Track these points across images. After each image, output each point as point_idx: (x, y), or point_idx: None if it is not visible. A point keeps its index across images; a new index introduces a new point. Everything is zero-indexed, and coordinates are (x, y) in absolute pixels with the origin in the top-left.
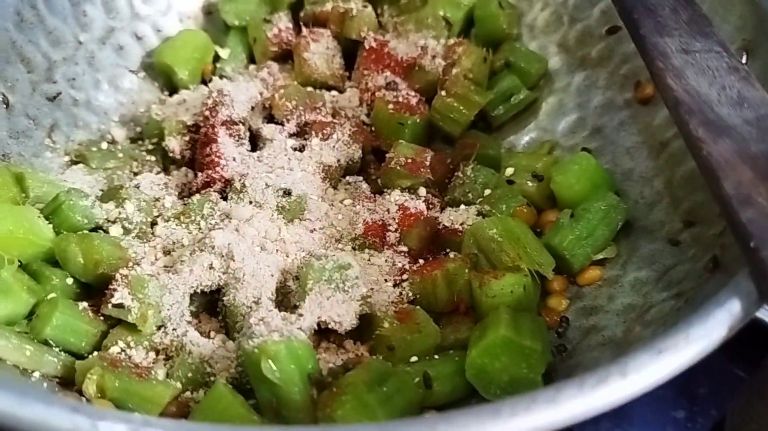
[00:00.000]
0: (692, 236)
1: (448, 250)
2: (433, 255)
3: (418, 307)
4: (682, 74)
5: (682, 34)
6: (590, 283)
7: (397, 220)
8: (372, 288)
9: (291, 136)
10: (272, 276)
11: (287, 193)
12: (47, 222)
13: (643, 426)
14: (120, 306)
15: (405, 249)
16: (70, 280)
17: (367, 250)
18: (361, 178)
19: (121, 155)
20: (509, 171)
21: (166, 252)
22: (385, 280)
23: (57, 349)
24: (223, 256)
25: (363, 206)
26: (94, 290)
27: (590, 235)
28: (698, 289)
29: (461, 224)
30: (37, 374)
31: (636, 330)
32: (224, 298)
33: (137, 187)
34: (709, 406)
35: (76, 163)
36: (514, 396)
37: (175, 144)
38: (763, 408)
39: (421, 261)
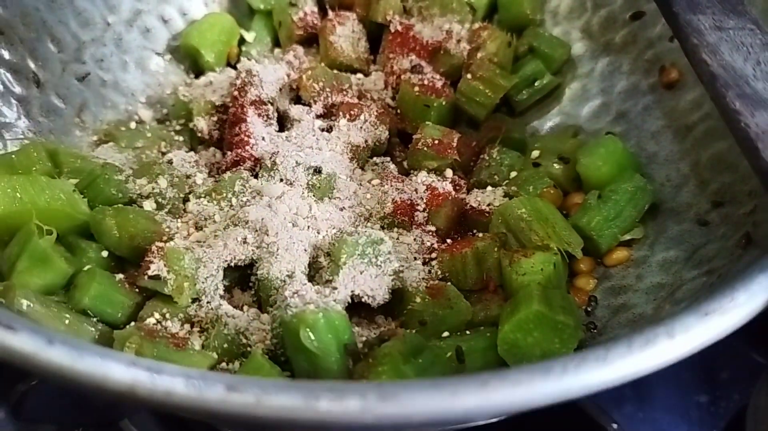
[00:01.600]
0: (721, 216)
1: (475, 231)
2: (461, 236)
3: (449, 284)
4: (716, 50)
5: (715, 12)
6: (617, 264)
7: (425, 200)
8: (403, 266)
9: (318, 117)
10: (305, 251)
11: (317, 170)
12: (82, 196)
13: (666, 410)
14: (156, 278)
15: (433, 228)
16: (105, 253)
17: (396, 229)
18: (388, 159)
19: (149, 135)
20: (535, 153)
21: (198, 228)
22: (415, 258)
23: (94, 319)
24: (256, 231)
25: (391, 186)
26: (128, 263)
27: (618, 216)
28: (731, 266)
29: (488, 205)
30: (81, 341)
31: (666, 307)
32: (258, 272)
33: (170, 162)
34: (731, 391)
35: (105, 142)
36: (562, 355)
37: (203, 124)
38: None
39: (448, 241)
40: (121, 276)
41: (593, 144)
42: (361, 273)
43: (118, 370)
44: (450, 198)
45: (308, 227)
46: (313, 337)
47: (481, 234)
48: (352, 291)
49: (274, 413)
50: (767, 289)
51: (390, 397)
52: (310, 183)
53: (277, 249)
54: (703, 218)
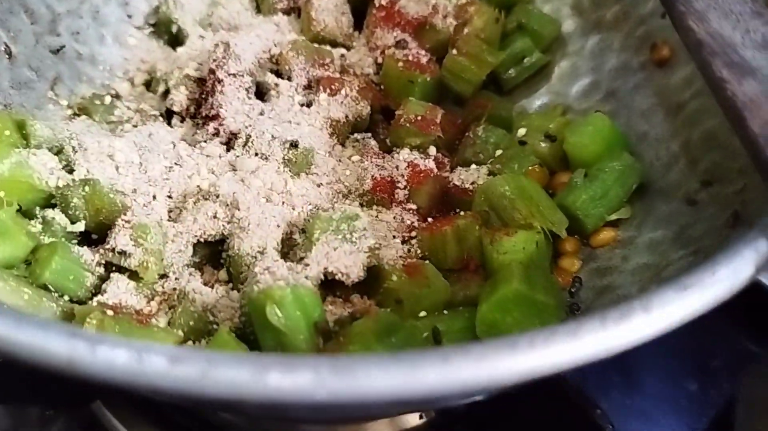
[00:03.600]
0: (710, 195)
1: (457, 210)
2: (443, 215)
3: (427, 262)
4: (704, 17)
5: None
6: (604, 245)
7: (406, 177)
8: (380, 243)
9: (298, 91)
10: (278, 227)
11: (294, 145)
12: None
13: (655, 398)
14: (122, 252)
15: (414, 207)
16: (70, 226)
17: (375, 206)
18: (369, 135)
19: (125, 109)
20: (521, 131)
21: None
22: (394, 236)
23: (56, 294)
24: (227, 205)
25: (371, 162)
26: (94, 237)
27: (604, 195)
28: (718, 245)
29: (472, 183)
30: (22, 313)
31: (652, 288)
32: (229, 248)
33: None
34: (721, 379)
35: (78, 115)
36: (532, 329)
37: (181, 97)
38: None
39: (429, 220)
40: (86, 249)
41: (581, 122)
42: (334, 249)
43: (57, 342)
44: (432, 175)
45: (282, 203)
46: (280, 314)
47: (462, 213)
48: (325, 268)
49: (220, 388)
50: (750, 263)
51: (344, 371)
52: (285, 157)
53: (249, 225)
54: (692, 197)
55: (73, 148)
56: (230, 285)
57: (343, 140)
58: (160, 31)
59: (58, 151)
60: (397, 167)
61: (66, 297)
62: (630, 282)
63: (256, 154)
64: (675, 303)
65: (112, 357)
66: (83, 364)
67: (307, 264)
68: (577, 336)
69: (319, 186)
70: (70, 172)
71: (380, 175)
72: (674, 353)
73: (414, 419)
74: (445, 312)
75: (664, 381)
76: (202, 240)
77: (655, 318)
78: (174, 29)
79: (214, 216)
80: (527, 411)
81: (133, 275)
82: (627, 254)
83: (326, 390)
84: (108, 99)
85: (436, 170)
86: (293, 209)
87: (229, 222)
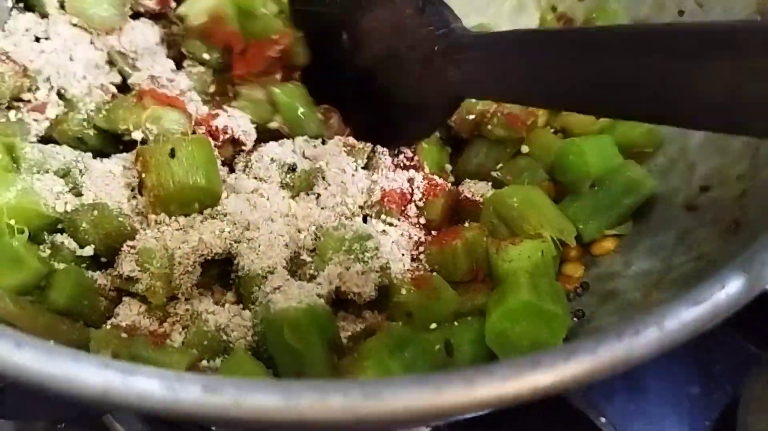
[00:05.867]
0: (710, 200)
1: (467, 221)
2: (449, 227)
3: (434, 273)
4: None
5: None
6: (604, 254)
7: (422, 189)
8: (389, 260)
9: None
10: (286, 246)
11: (292, 169)
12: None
13: (658, 401)
14: (128, 278)
15: (421, 221)
16: (80, 250)
17: (383, 215)
18: (385, 151)
19: None
20: (524, 149)
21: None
22: (402, 254)
23: (71, 319)
24: (234, 224)
25: (382, 176)
26: (103, 259)
27: (608, 208)
28: (721, 251)
29: (481, 196)
30: (51, 343)
31: (655, 293)
32: (238, 269)
33: None
34: (723, 382)
35: None
36: (552, 347)
37: None
38: None
39: (433, 232)
40: (99, 274)
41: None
42: (347, 269)
43: (90, 373)
44: (447, 189)
45: (287, 223)
46: (297, 335)
47: (467, 224)
48: (337, 288)
49: (253, 414)
50: (759, 277)
51: (373, 395)
52: (283, 181)
53: (259, 246)
54: (692, 203)
55: (80, 170)
56: (240, 305)
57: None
58: None
59: (65, 174)
60: (410, 179)
61: (81, 322)
62: (633, 287)
63: (255, 177)
64: (687, 318)
65: (147, 387)
66: (118, 395)
67: (319, 283)
68: (596, 354)
69: (323, 209)
70: (78, 195)
71: (390, 186)
72: (677, 357)
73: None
74: (456, 323)
75: (666, 386)
76: (209, 257)
77: (669, 333)
78: None
79: (221, 234)
80: (532, 417)
81: (144, 298)
82: (628, 260)
83: (356, 414)
84: None
85: (449, 185)
86: (299, 231)
87: (236, 241)
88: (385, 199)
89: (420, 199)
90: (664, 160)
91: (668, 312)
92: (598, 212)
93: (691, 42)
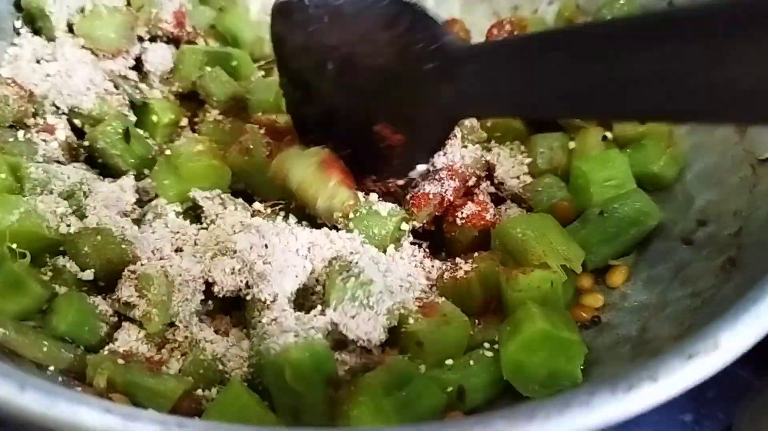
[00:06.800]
0: (706, 235)
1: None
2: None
3: (442, 299)
4: None
5: None
6: (619, 284)
7: (468, 215)
8: (397, 301)
9: None
10: (296, 277)
11: None
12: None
13: (651, 429)
14: (126, 304)
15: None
16: (80, 273)
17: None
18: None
19: None
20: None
21: (178, 249)
22: (410, 284)
23: (71, 344)
24: (244, 261)
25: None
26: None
27: (614, 238)
28: (716, 289)
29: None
30: (52, 368)
31: (651, 328)
32: (247, 295)
33: None
34: (716, 410)
35: None
36: (546, 399)
37: None
38: None
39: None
40: (100, 299)
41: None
42: (353, 317)
43: (92, 418)
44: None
45: (301, 254)
46: (299, 377)
47: (477, 254)
48: (346, 336)
49: None
50: (752, 330)
51: None
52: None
53: (271, 273)
54: (688, 237)
55: (84, 192)
56: (244, 331)
57: None
58: None
59: (69, 196)
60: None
61: (81, 348)
62: (629, 320)
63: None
64: (680, 372)
65: None
66: None
67: (315, 316)
68: (589, 407)
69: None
70: (82, 217)
71: (426, 189)
72: None
73: None
74: (471, 362)
75: (659, 413)
76: (220, 296)
77: (662, 387)
78: None
79: (232, 272)
80: None
81: (142, 324)
82: (625, 292)
83: None
84: None
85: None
86: (311, 261)
87: (248, 277)
88: (414, 201)
89: (462, 218)
90: (661, 192)
91: (662, 366)
92: (605, 241)
93: (719, 21)
